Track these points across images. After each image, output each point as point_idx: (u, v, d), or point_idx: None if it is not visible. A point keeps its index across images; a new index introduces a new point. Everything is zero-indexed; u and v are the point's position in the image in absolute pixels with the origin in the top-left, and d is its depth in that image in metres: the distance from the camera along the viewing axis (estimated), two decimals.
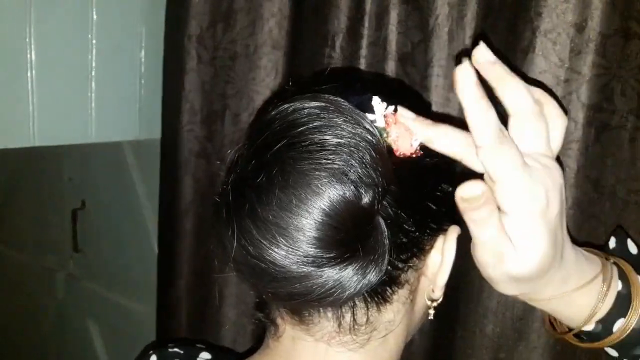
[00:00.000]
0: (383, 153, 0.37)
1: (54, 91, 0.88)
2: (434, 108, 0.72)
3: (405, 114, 0.39)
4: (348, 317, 0.43)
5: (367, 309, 0.43)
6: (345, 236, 0.36)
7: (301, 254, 0.35)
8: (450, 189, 0.45)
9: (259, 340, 0.82)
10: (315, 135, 0.35)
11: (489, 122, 0.34)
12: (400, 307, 0.45)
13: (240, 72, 0.85)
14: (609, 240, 0.53)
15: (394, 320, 0.45)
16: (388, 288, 0.43)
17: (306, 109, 0.37)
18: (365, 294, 0.41)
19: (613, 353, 0.46)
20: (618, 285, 0.44)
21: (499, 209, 0.37)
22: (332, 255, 0.36)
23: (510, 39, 0.66)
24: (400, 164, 0.40)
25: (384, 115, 0.40)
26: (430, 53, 0.71)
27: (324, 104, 0.37)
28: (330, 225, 0.35)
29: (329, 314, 0.43)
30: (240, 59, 0.85)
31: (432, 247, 0.45)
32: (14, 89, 0.83)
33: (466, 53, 0.39)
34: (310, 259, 0.36)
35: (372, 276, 0.37)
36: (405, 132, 0.39)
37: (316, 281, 0.36)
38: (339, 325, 0.43)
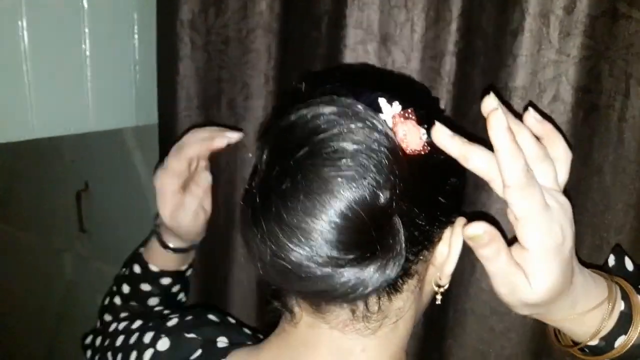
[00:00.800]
0: (398, 155, 0.39)
1: (50, 82, 0.88)
2: None
3: (441, 131, 0.40)
4: (361, 306, 0.45)
5: (379, 298, 0.46)
6: (365, 237, 0.38)
7: (324, 255, 0.38)
8: (458, 181, 0.48)
9: (263, 323, 0.86)
10: (334, 142, 0.37)
11: (518, 165, 0.38)
12: (409, 295, 0.48)
13: (233, 57, 0.85)
14: (608, 258, 0.59)
15: (404, 308, 0.48)
16: (400, 279, 0.46)
17: (324, 115, 0.38)
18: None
19: None
20: (621, 305, 0.48)
21: (513, 242, 0.42)
22: (353, 256, 0.38)
23: (499, 21, 0.66)
24: (410, 161, 0.41)
25: (392, 116, 0.42)
26: (415, 34, 0.71)
27: (341, 109, 0.38)
28: (350, 228, 0.37)
29: (344, 304, 0.45)
30: (233, 43, 0.85)
31: (440, 238, 0.48)
32: (10, 82, 0.83)
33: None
34: (333, 260, 0.38)
35: (391, 272, 0.40)
36: (413, 128, 0.41)
37: (339, 280, 0.39)
38: (353, 314, 0.45)
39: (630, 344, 0.47)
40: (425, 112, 0.44)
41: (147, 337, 0.61)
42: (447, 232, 0.48)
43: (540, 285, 0.42)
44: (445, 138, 0.40)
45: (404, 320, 0.49)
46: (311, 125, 0.38)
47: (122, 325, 0.68)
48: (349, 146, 0.37)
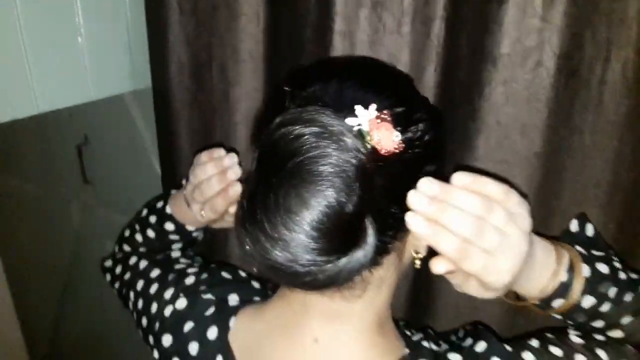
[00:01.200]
0: (366, 170, 0.43)
1: (47, 57, 0.88)
2: (408, 56, 0.74)
3: (417, 201, 0.46)
4: None
5: (361, 273, 0.50)
6: (338, 242, 0.44)
7: (304, 260, 0.43)
8: (434, 168, 0.52)
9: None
10: (311, 166, 0.43)
11: (443, 245, 0.46)
12: (390, 266, 0.54)
13: (222, 22, 0.85)
14: (571, 223, 0.65)
15: (385, 276, 0.55)
16: (379, 257, 0.51)
17: (305, 136, 0.43)
18: None
19: (558, 316, 0.58)
20: (564, 277, 0.55)
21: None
22: (328, 257, 0.44)
23: None
24: (386, 159, 0.46)
25: (369, 120, 0.46)
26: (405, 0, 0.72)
27: (319, 131, 0.43)
28: (324, 237, 0.43)
29: None
30: (221, 8, 0.85)
31: None
32: (9, 61, 0.84)
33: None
34: (312, 262, 0.43)
35: (365, 260, 0.45)
36: (386, 132, 0.46)
37: (317, 275, 0.44)
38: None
39: (570, 305, 0.55)
40: (403, 110, 0.48)
41: (168, 294, 0.69)
42: None
43: (498, 288, 0.49)
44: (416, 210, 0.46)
45: (386, 284, 0.56)
46: (292, 147, 0.43)
47: (142, 264, 0.76)
48: (324, 168, 0.42)
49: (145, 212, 0.85)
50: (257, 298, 0.66)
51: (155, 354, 0.68)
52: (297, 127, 0.43)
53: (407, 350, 0.57)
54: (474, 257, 0.45)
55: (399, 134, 0.47)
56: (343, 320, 0.55)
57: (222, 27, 0.86)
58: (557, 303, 0.55)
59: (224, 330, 0.62)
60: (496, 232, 0.45)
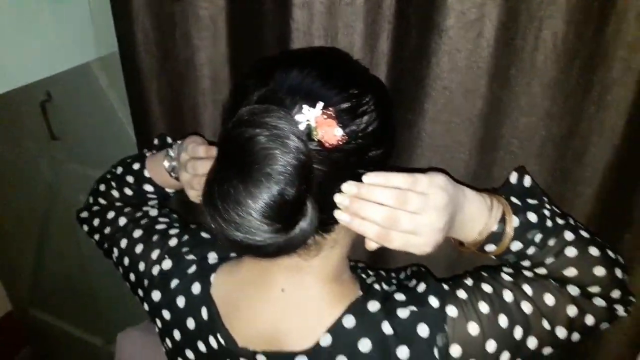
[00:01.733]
0: (306, 166, 0.52)
1: (12, 33, 0.89)
2: (362, 25, 0.80)
3: (346, 191, 0.57)
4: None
5: (314, 237, 0.61)
6: (282, 223, 0.53)
7: (254, 238, 0.52)
8: (378, 153, 0.60)
9: None
10: (259, 165, 0.51)
11: (366, 231, 0.56)
12: (341, 230, 0.63)
13: None
14: (511, 175, 0.73)
15: (338, 237, 0.64)
16: (328, 226, 0.61)
17: (256, 138, 0.51)
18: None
19: (493, 257, 0.68)
20: (494, 227, 0.64)
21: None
22: (277, 235, 0.53)
23: None
24: (330, 150, 0.55)
25: (315, 118, 0.54)
26: None
27: (268, 134, 0.51)
28: (269, 221, 0.52)
29: None
30: None
31: None
32: None
33: None
34: (262, 239, 0.52)
35: (307, 232, 0.54)
36: (329, 129, 0.54)
37: (269, 248, 0.53)
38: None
39: (501, 251, 0.65)
40: (349, 106, 0.57)
41: (154, 255, 0.77)
42: None
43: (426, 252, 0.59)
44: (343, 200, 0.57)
45: (340, 244, 0.65)
46: (245, 147, 0.52)
47: (121, 221, 0.84)
48: (269, 169, 0.51)
49: (120, 170, 0.90)
50: (233, 254, 0.75)
51: (146, 306, 0.77)
52: (250, 129, 0.51)
53: (360, 293, 0.67)
54: (393, 239, 0.56)
55: (340, 129, 0.55)
56: (304, 273, 0.65)
57: None
58: (490, 248, 0.65)
59: (206, 285, 0.71)
60: (410, 217, 0.55)
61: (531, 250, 0.65)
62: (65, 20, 0.99)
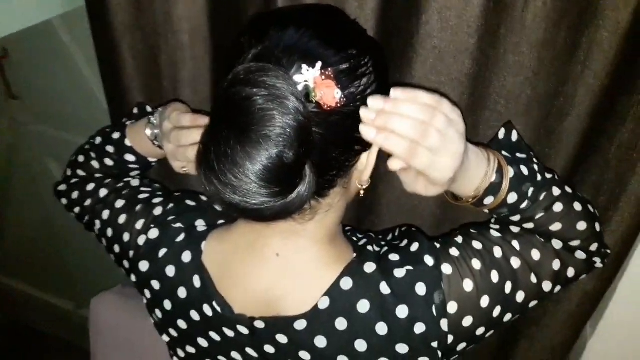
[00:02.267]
0: (304, 129, 0.51)
1: None
2: None
3: (364, 116, 0.56)
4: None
5: (310, 202, 0.59)
6: (280, 184, 0.52)
7: (251, 200, 0.51)
8: None
9: None
10: (257, 127, 0.50)
11: (394, 147, 0.55)
12: (336, 194, 0.63)
13: None
14: (499, 131, 0.74)
15: (333, 202, 0.64)
16: (324, 190, 0.61)
17: (253, 97, 0.50)
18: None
19: (486, 211, 0.69)
20: (493, 177, 0.64)
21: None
22: (274, 198, 0.52)
23: None
24: (330, 112, 0.54)
25: (313, 79, 0.52)
26: None
27: (266, 94, 0.49)
28: (267, 182, 0.51)
29: None
30: None
31: (359, 158, 0.61)
32: None
33: None
34: (259, 202, 0.52)
35: (304, 196, 0.53)
36: (327, 90, 0.52)
37: (266, 211, 0.53)
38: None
39: (497, 203, 0.66)
40: (347, 67, 0.55)
41: (139, 225, 0.75)
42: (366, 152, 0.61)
43: (433, 192, 0.61)
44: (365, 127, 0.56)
45: (334, 209, 0.64)
46: (242, 107, 0.50)
47: (102, 192, 0.81)
48: (268, 130, 0.50)
49: (100, 140, 0.87)
50: (221, 221, 0.74)
51: (133, 278, 0.75)
52: (247, 89, 0.50)
53: (354, 255, 0.68)
54: (421, 155, 0.55)
55: (339, 91, 0.53)
56: (299, 236, 0.64)
57: None
58: (488, 200, 0.66)
59: (196, 253, 0.70)
60: (438, 134, 0.55)
61: (524, 204, 0.67)
62: None
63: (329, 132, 0.55)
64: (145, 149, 0.83)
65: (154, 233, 0.73)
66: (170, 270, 0.70)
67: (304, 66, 0.52)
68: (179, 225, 0.73)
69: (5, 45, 1.42)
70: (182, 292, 0.70)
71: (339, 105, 0.54)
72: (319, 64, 0.53)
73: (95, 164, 0.86)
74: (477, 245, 0.67)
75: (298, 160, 0.51)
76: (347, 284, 0.64)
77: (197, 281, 0.68)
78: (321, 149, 0.55)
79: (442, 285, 0.63)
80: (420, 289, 0.63)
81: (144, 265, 0.72)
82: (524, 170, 0.66)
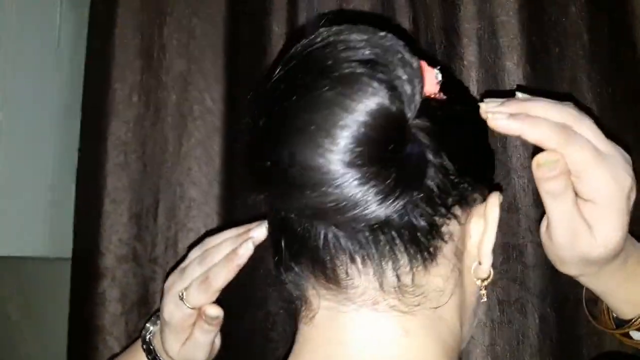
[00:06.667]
0: (419, 70, 0.36)
1: None
2: None
3: (497, 114, 0.41)
4: (390, 274, 0.38)
5: (411, 264, 0.38)
6: (379, 151, 0.34)
7: (334, 167, 0.33)
8: (486, 141, 0.45)
9: None
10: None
11: (542, 130, 0.40)
12: (449, 274, 0.41)
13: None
14: None
15: (445, 290, 0.40)
16: (431, 238, 0.39)
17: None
18: (407, 241, 0.38)
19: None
20: None
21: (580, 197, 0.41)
22: (363, 169, 0.33)
23: None
24: (431, 103, 0.38)
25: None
26: None
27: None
28: (365, 136, 0.33)
29: (370, 273, 0.38)
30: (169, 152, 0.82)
31: (471, 211, 0.42)
32: None
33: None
34: (347, 170, 0.33)
35: (401, 202, 0.35)
36: (427, 66, 0.38)
37: (347, 194, 0.33)
38: (381, 284, 0.38)
39: None
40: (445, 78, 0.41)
41: None
42: (479, 208, 0.42)
43: (606, 237, 0.40)
44: (502, 121, 0.41)
45: (448, 310, 0.41)
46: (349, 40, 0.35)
47: None
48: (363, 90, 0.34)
49: None
50: None
51: None
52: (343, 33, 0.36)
53: None
54: (580, 140, 0.39)
55: (438, 72, 0.39)
56: (397, 350, 0.39)
57: (171, 171, 0.82)
58: None
59: None
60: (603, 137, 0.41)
61: None
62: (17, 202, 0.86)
63: (437, 129, 0.38)
64: None
65: None
66: None
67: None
68: None
69: None
70: None
71: (440, 97, 0.39)
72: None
73: None
74: None
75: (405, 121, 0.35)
76: None
77: None
78: (430, 146, 0.37)
79: None
80: None
81: None
82: None
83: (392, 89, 0.34)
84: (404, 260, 0.38)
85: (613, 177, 0.40)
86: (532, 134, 0.40)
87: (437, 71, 0.39)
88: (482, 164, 0.44)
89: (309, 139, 0.33)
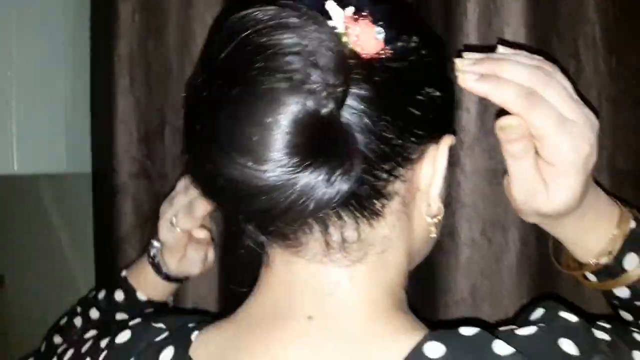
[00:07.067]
0: (345, 56, 0.36)
1: None
2: None
3: (465, 75, 0.42)
4: (336, 234, 0.41)
5: (357, 224, 0.41)
6: (312, 147, 0.35)
7: (266, 167, 0.35)
8: (437, 93, 0.43)
9: None
10: (279, 62, 0.35)
11: (508, 95, 0.41)
12: (395, 222, 0.42)
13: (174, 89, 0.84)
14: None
15: (390, 236, 0.43)
16: (375, 201, 0.41)
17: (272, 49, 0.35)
18: (352, 208, 0.40)
19: (623, 294, 0.49)
20: (631, 223, 0.48)
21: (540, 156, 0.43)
22: (299, 167, 0.35)
23: None
24: (370, 67, 0.38)
25: (343, 19, 0.38)
26: None
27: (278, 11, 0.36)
28: (296, 137, 0.35)
29: (316, 233, 0.41)
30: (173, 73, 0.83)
31: (421, 157, 0.43)
32: None
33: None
34: (282, 169, 0.35)
35: (341, 184, 0.36)
36: (366, 28, 0.38)
37: (285, 193, 0.35)
38: (327, 243, 0.41)
39: (622, 284, 0.48)
40: (387, 7, 0.41)
41: (104, 342, 0.49)
42: (431, 151, 0.43)
43: (559, 198, 0.43)
44: (471, 83, 0.42)
45: (393, 251, 0.43)
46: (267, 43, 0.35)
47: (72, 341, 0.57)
48: (294, 77, 0.35)
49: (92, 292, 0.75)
50: None
51: None
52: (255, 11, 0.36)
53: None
54: (543, 106, 0.41)
55: (381, 29, 0.38)
56: (341, 292, 0.42)
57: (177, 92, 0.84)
58: (631, 263, 0.47)
59: (182, 347, 0.45)
60: (566, 91, 0.42)
61: None
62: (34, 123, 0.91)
63: (376, 92, 0.38)
64: (147, 283, 0.70)
65: (123, 336, 0.48)
66: None
67: (329, 3, 0.38)
68: (160, 325, 0.49)
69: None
70: None
71: (384, 53, 0.38)
72: (350, 7, 0.39)
73: (77, 322, 0.72)
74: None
75: (338, 113, 0.36)
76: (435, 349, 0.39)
77: None
78: (367, 118, 0.38)
79: None
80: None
81: None
82: None
83: (310, 93, 0.34)
84: (350, 221, 0.40)
85: (572, 145, 0.41)
86: (498, 98, 0.41)
87: (380, 29, 0.38)
88: (435, 113, 0.43)
89: (246, 152, 0.35)
